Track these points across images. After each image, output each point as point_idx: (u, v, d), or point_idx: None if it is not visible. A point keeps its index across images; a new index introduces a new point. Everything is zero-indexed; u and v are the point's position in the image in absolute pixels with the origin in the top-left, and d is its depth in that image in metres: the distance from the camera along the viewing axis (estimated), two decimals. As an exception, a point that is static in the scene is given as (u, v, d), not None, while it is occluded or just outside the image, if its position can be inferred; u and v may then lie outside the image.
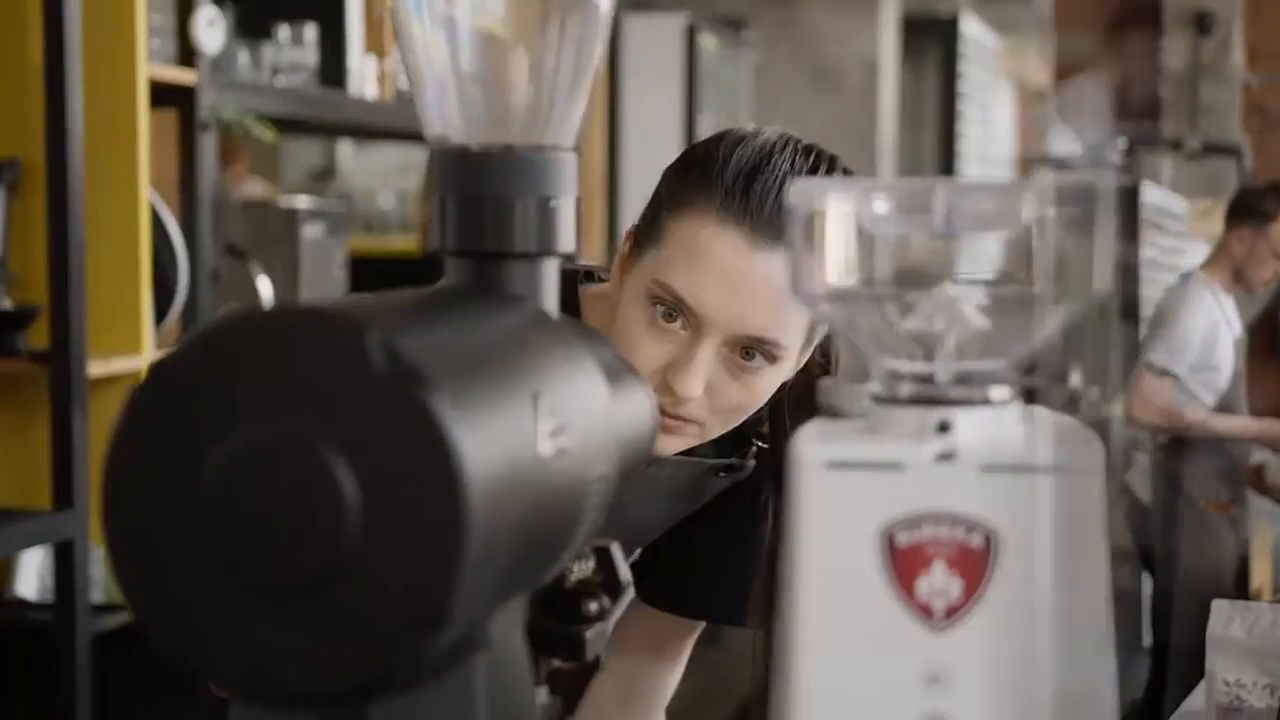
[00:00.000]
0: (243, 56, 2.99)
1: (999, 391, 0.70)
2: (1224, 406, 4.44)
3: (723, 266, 1.23)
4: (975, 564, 0.67)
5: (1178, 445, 4.43)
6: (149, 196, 2.58)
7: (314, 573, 0.60)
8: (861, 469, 0.68)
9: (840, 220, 0.70)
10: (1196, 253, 8.08)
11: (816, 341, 1.34)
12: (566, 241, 0.81)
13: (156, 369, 0.63)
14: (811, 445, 0.69)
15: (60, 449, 2.38)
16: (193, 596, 0.62)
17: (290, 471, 0.60)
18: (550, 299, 0.81)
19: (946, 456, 0.67)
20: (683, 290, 1.24)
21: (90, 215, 2.46)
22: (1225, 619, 1.96)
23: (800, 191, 0.71)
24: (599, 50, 0.84)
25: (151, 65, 2.61)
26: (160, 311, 2.66)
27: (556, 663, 0.92)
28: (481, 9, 0.82)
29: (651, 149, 4.88)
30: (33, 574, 2.67)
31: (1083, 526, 0.67)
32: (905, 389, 0.70)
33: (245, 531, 0.60)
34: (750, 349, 1.25)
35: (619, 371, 0.84)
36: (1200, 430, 4.37)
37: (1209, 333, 4.38)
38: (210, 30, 2.69)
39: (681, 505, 1.44)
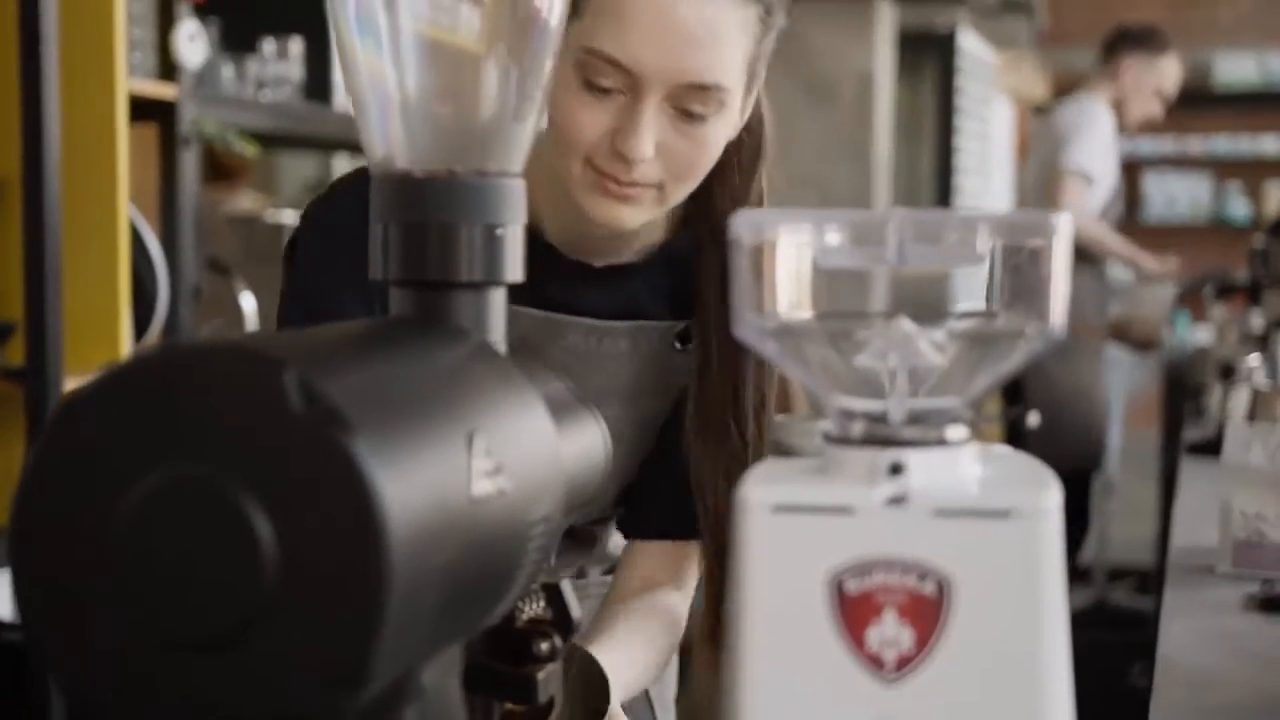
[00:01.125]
0: (227, 70, 2.96)
1: (955, 431, 0.67)
2: (1103, 219, 4.50)
3: (650, 16, 1.20)
4: (928, 613, 0.64)
5: None
6: (128, 212, 2.55)
7: (228, 624, 0.57)
8: (810, 513, 0.65)
9: (790, 252, 0.68)
10: (1000, 104, 8.08)
11: (756, 89, 1.31)
12: (514, 270, 0.79)
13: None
14: (758, 488, 0.66)
15: (35, 468, 2.34)
16: (102, 644, 0.59)
17: (204, 517, 0.57)
18: (497, 330, 0.78)
19: (898, 500, 0.65)
20: (614, 50, 1.21)
21: (69, 231, 2.43)
22: (1242, 444, 1.83)
23: (748, 222, 0.68)
24: (548, 70, 0.82)
25: (132, 80, 2.58)
26: (140, 328, 2.63)
27: (508, 705, 0.89)
28: (426, 30, 0.79)
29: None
30: (7, 593, 2.64)
31: (1039, 572, 0.65)
32: (857, 428, 0.68)
33: (156, 579, 0.58)
34: (692, 102, 1.23)
35: (567, 406, 0.82)
36: (1093, 243, 4.41)
37: (1107, 144, 4.45)
38: (192, 45, 2.67)
39: (648, 400, 1.40)
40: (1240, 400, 2.89)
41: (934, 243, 0.67)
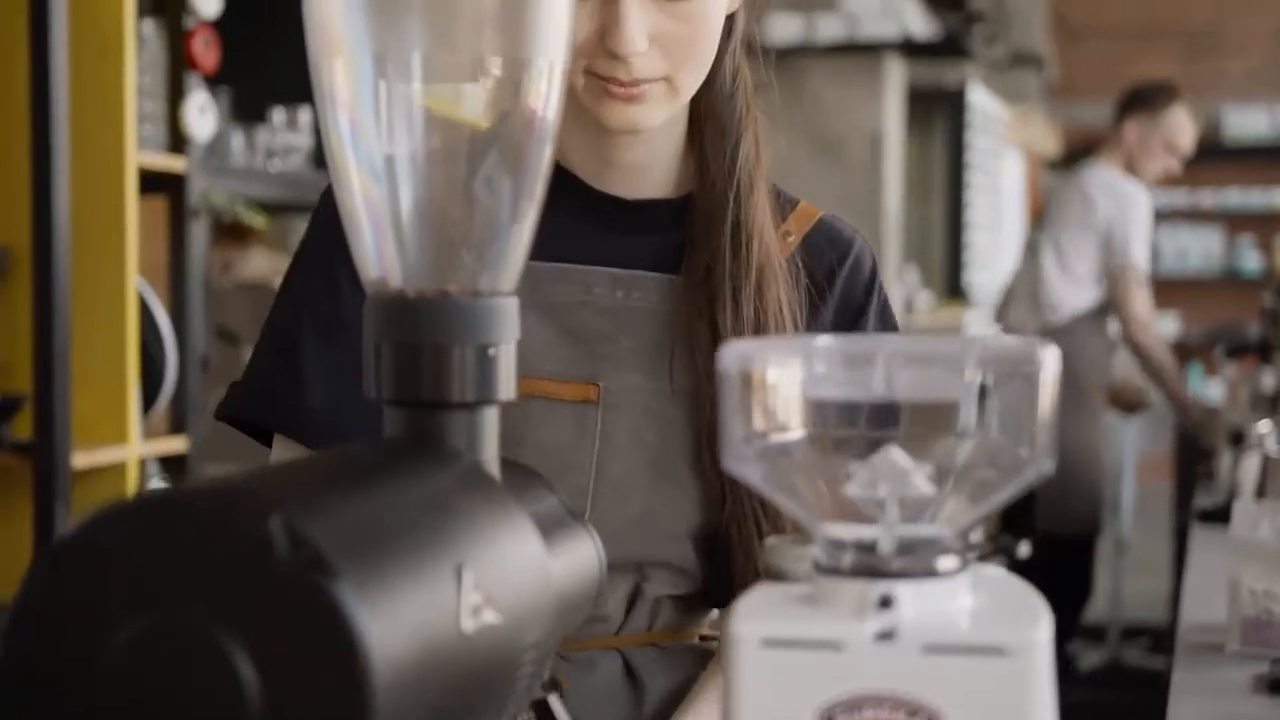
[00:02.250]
0: (237, 139, 2.98)
1: (946, 561, 0.67)
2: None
3: None
4: (918, 749, 0.64)
5: (1070, 329, 4.44)
6: (137, 284, 2.56)
7: (212, 770, 0.57)
8: (799, 647, 0.65)
9: (777, 381, 0.68)
10: (1010, 158, 8.14)
11: None
12: (506, 389, 0.79)
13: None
14: (748, 621, 0.66)
15: (43, 543, 2.35)
16: (88, 791, 0.59)
17: (189, 662, 0.57)
18: (489, 449, 0.78)
19: (887, 635, 0.64)
20: None
21: (78, 304, 2.44)
22: (1250, 520, 1.77)
23: (735, 354, 0.68)
24: (540, 192, 0.82)
25: (142, 153, 2.59)
26: (148, 400, 2.63)
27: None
28: (420, 151, 0.79)
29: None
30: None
31: (1031, 708, 0.64)
32: (847, 559, 0.67)
33: (142, 725, 0.58)
34: None
35: (559, 522, 0.81)
36: (1154, 367, 4.42)
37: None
38: (202, 117, 2.68)
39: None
40: (1251, 468, 2.88)
41: (922, 372, 0.67)
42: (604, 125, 1.22)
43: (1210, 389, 7.31)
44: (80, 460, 2.45)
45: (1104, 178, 4.53)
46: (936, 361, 0.67)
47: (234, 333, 3.01)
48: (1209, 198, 10.02)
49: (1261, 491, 2.81)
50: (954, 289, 7.53)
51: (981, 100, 7.75)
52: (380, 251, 0.80)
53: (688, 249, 1.28)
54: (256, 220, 2.91)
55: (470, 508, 0.71)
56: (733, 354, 0.68)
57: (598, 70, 1.19)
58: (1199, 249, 10.15)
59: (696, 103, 1.28)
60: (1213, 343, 9.72)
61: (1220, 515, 2.70)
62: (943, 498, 0.68)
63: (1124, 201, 4.47)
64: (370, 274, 0.80)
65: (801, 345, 0.67)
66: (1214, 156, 9.86)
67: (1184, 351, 9.89)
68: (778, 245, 1.29)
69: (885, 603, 0.65)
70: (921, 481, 0.67)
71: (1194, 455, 4.55)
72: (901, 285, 6.29)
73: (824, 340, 0.69)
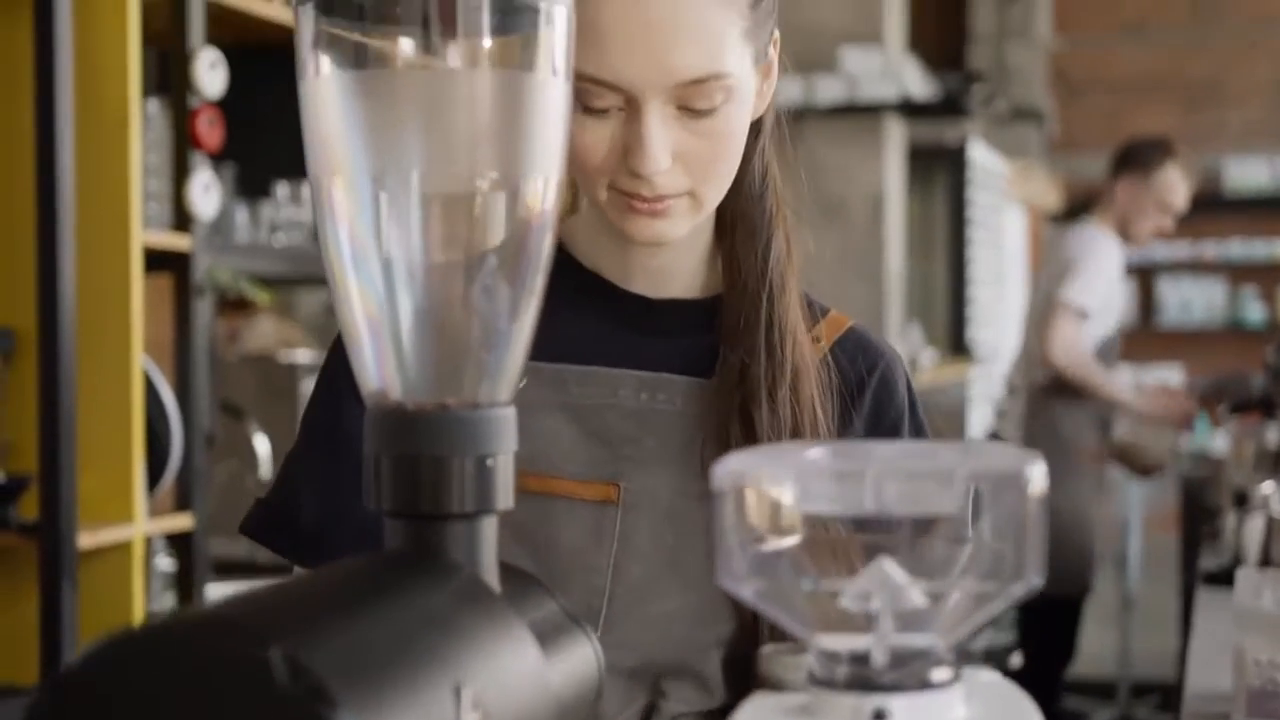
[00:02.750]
0: (241, 215, 3.00)
1: (939, 673, 0.68)
2: (1100, 358, 4.47)
3: (622, 26, 1.13)
4: None
5: (1057, 389, 4.44)
6: (142, 363, 2.58)
7: None
8: (795, 762, 0.66)
9: (769, 496, 0.69)
10: (1012, 213, 8.15)
11: (774, 55, 1.24)
12: (505, 499, 0.80)
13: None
14: (743, 736, 0.66)
15: (49, 625, 2.36)
16: None
17: (191, 793, 0.58)
18: (488, 558, 0.79)
19: (882, 751, 0.65)
20: (596, 70, 1.13)
21: (83, 383, 2.45)
22: (1254, 589, 1.76)
23: (728, 471, 0.69)
24: (536, 304, 0.83)
25: (147, 232, 2.61)
26: (153, 478, 2.65)
27: None
28: (418, 266, 0.81)
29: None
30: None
31: (1026, 822, 0.65)
32: (841, 672, 0.68)
33: None
34: (695, 99, 1.15)
35: (558, 628, 0.82)
36: (1081, 383, 4.41)
37: (1111, 280, 4.45)
38: (206, 195, 2.71)
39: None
40: (1255, 529, 2.88)
41: (912, 486, 0.68)
42: (629, 238, 1.22)
43: (1215, 441, 7.29)
44: (86, 540, 2.45)
45: (1087, 235, 4.57)
46: (926, 476, 0.68)
47: (239, 406, 3.02)
48: (1211, 249, 10.04)
49: (1267, 555, 2.82)
50: (958, 346, 7.54)
51: (982, 156, 7.78)
52: (379, 364, 0.81)
53: (722, 350, 1.27)
54: (260, 297, 2.93)
55: (469, 623, 0.72)
56: (726, 470, 0.69)
57: (621, 186, 1.18)
58: (1202, 300, 10.17)
59: (725, 205, 1.27)
60: (1217, 394, 9.73)
61: (1225, 578, 2.70)
62: (936, 609, 0.68)
63: (1088, 246, 4.50)
64: (370, 386, 0.81)
65: (794, 461, 0.68)
66: (1215, 208, 9.91)
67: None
68: (810, 348, 1.28)
69: (879, 717, 0.66)
70: (914, 594, 0.68)
71: (1199, 512, 4.55)
72: (905, 344, 6.30)
73: (815, 454, 0.70)
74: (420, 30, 0.79)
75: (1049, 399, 4.49)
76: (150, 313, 2.66)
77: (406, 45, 0.78)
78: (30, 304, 2.42)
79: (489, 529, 0.80)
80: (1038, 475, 0.67)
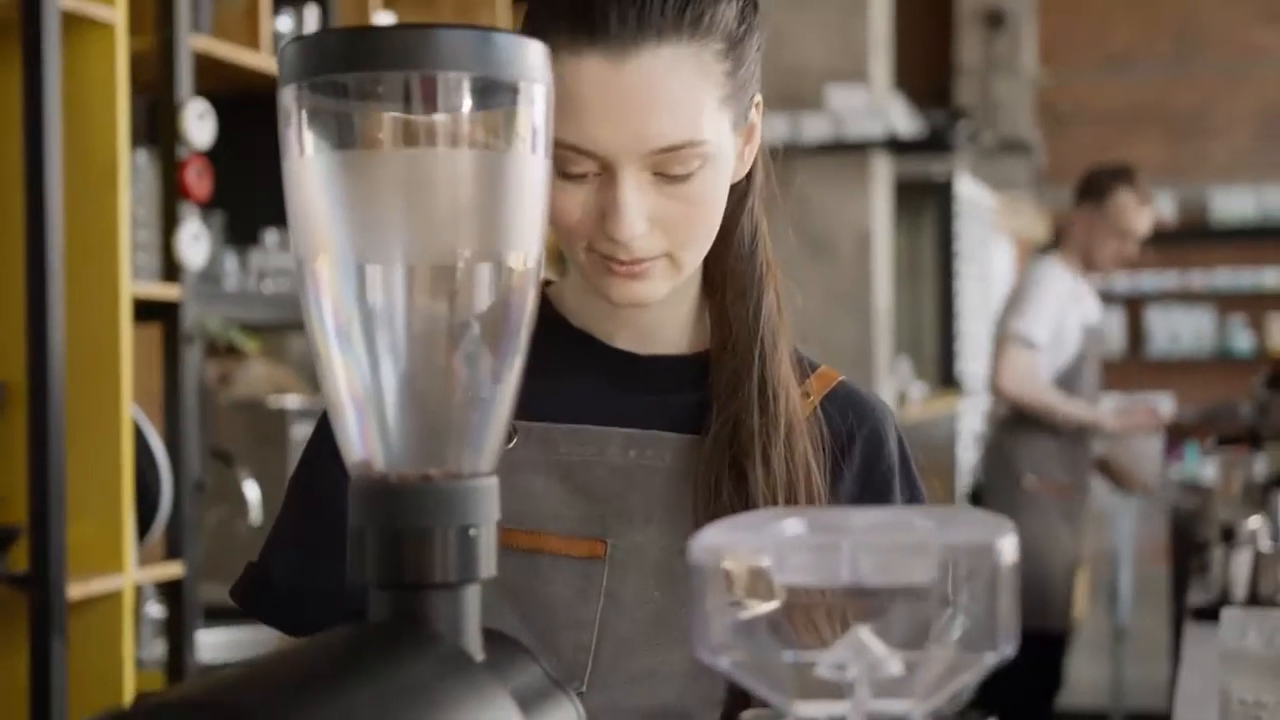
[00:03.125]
0: (230, 262, 3.02)
1: (915, 741, 0.69)
2: (1061, 386, 4.48)
3: (596, 94, 1.14)
4: None
5: (1015, 421, 4.46)
6: (132, 414, 2.59)
7: None
8: (773, 832, 0.67)
9: (746, 569, 0.70)
10: (1000, 246, 8.17)
11: (754, 120, 1.25)
12: (488, 567, 0.81)
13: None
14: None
15: (39, 677, 2.36)
16: None
17: None
18: (471, 626, 0.81)
19: (858, 820, 0.66)
20: (572, 137, 1.14)
21: (73, 435, 2.46)
22: (1239, 629, 1.77)
23: (705, 546, 0.70)
24: (517, 373, 0.84)
25: (136, 283, 2.62)
26: (143, 528, 2.65)
27: None
28: (401, 341, 0.82)
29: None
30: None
31: None
32: (819, 741, 0.69)
33: None
34: (671, 165, 1.16)
35: (542, 693, 0.83)
36: (1036, 410, 4.42)
37: (1059, 309, 4.46)
38: (195, 245, 2.72)
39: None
40: (1242, 564, 2.89)
41: (887, 558, 0.69)
42: (608, 300, 1.23)
43: (1205, 470, 7.29)
44: (76, 590, 2.46)
45: (1041, 267, 4.59)
46: (901, 549, 0.69)
47: (229, 453, 3.03)
48: (1199, 279, 10.10)
49: (1254, 592, 2.83)
50: (947, 378, 7.56)
51: (969, 190, 7.82)
52: (363, 436, 0.82)
53: (713, 407, 1.28)
54: (249, 345, 2.95)
55: (451, 695, 0.73)
56: (703, 543, 0.70)
57: (599, 249, 1.19)
58: (1191, 330, 10.22)
59: (713, 263, 1.28)
60: (1207, 422, 9.78)
61: (1213, 613, 2.70)
62: (912, 677, 0.70)
63: (1036, 277, 4.53)
64: (354, 457, 0.83)
65: (771, 533, 0.70)
66: (1202, 238, 9.98)
67: (1179, 432, 9.96)
68: (801, 404, 1.29)
69: (856, 785, 0.67)
70: (891, 662, 0.70)
71: (1189, 544, 4.56)
72: (894, 378, 6.32)
73: (791, 526, 0.72)
74: (403, 107, 0.80)
75: (1009, 431, 4.53)
76: (140, 362, 2.67)
77: (389, 125, 0.80)
78: (20, 356, 2.43)
79: (472, 598, 0.81)
80: (1009, 547, 0.68)
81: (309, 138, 0.80)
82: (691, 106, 1.15)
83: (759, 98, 1.26)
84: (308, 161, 0.79)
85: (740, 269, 1.30)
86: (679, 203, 1.18)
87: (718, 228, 1.23)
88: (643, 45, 1.14)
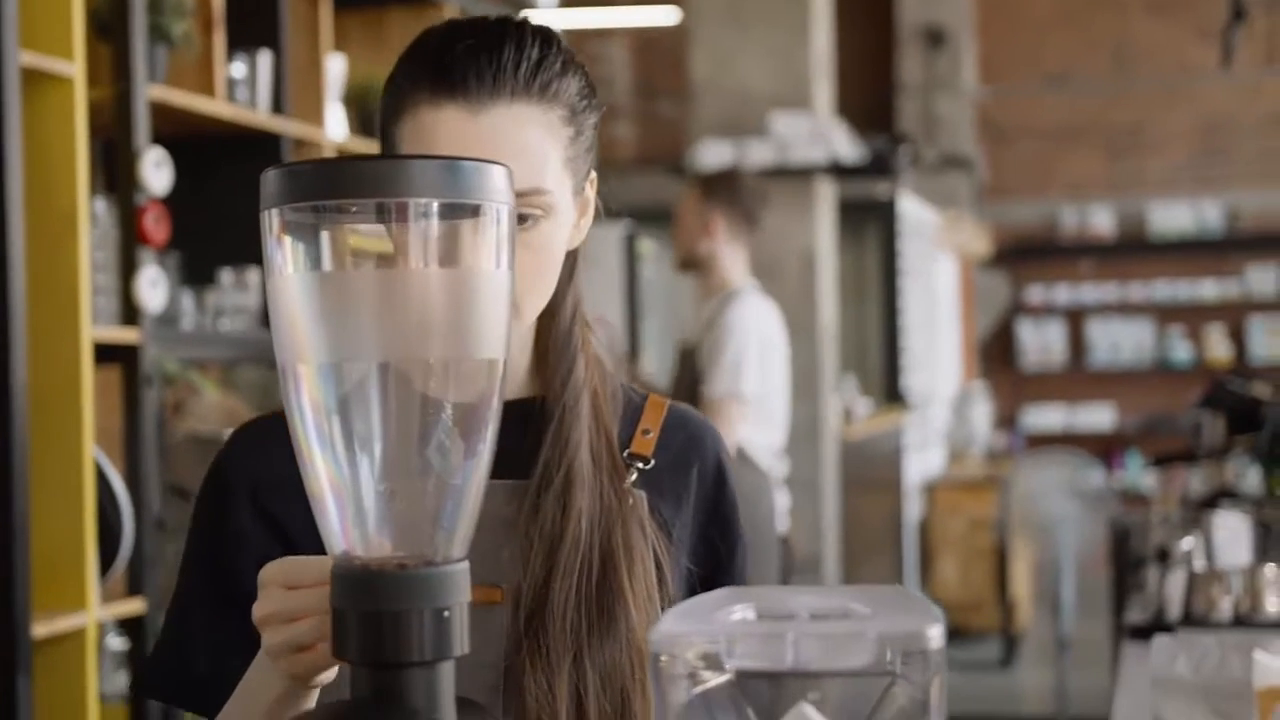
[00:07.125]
0: (187, 302, 3.07)
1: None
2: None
3: (453, 141, 1.22)
4: None
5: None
6: (93, 454, 2.64)
7: None
8: None
9: (698, 657, 0.77)
10: (943, 261, 8.28)
11: (591, 192, 1.32)
12: (461, 644, 0.89)
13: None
14: None
15: (5, 715, 2.40)
16: None
17: None
18: (446, 700, 0.88)
19: None
20: None
21: (35, 476, 2.51)
22: (1169, 657, 1.81)
23: (664, 634, 0.78)
24: (486, 464, 0.92)
25: (96, 327, 2.68)
26: (106, 564, 2.70)
27: None
28: (377, 440, 0.89)
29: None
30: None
31: None
32: (765, 807, 0.77)
33: None
34: (520, 205, 1.19)
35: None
36: None
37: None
38: (153, 289, 2.77)
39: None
40: (1177, 584, 2.97)
41: (830, 645, 0.77)
42: None
43: (1145, 479, 7.43)
44: (40, 629, 2.51)
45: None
46: (842, 637, 0.77)
47: (186, 489, 3.08)
48: (1138, 291, 10.26)
49: (1188, 611, 2.91)
50: (892, 394, 7.67)
51: (912, 209, 7.93)
52: (343, 527, 0.90)
53: (529, 455, 1.31)
54: (207, 387, 3.01)
55: (430, 771, 0.80)
56: (660, 632, 0.78)
57: None
58: (1131, 341, 10.37)
59: (542, 324, 1.34)
60: (1148, 432, 9.95)
61: (1149, 632, 2.78)
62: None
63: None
64: (335, 547, 0.90)
65: (722, 625, 0.77)
66: (1141, 251, 10.14)
67: (1120, 441, 10.13)
68: (617, 452, 1.32)
69: None
70: (828, 737, 0.77)
71: (1128, 556, 4.64)
72: (840, 396, 6.41)
73: (739, 614, 0.79)
74: (376, 229, 0.88)
75: None
76: (99, 402, 2.72)
77: (364, 245, 0.88)
78: (-17, 401, 2.48)
79: (446, 673, 0.88)
80: (936, 634, 0.76)
81: (289, 256, 0.87)
82: (539, 157, 1.24)
83: (594, 176, 1.34)
84: (289, 280, 0.87)
85: (559, 342, 1.34)
86: (524, 249, 1.23)
87: (554, 285, 1.29)
88: (497, 101, 1.23)
